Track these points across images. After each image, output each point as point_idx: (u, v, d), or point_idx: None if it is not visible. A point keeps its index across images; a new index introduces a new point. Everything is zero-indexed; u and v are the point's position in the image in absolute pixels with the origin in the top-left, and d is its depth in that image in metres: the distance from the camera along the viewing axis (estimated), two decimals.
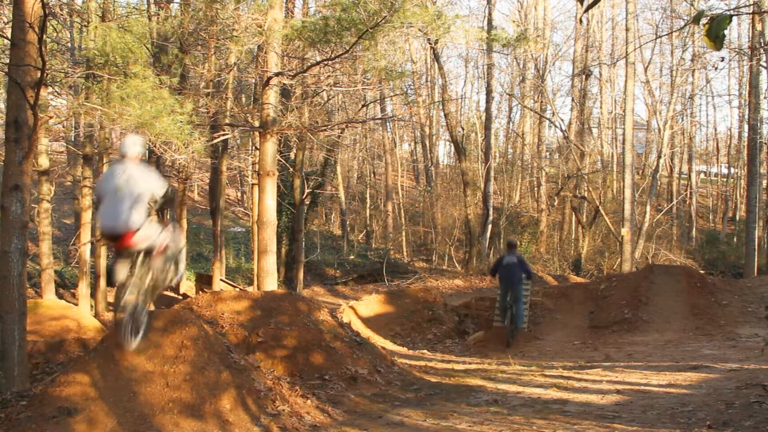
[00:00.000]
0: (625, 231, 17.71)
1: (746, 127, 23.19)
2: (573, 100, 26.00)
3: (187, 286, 16.66)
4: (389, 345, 10.75)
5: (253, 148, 16.64)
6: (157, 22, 12.86)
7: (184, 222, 16.97)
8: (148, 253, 4.65)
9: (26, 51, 5.97)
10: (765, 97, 18.62)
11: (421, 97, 29.78)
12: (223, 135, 10.76)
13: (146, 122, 8.38)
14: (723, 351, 8.63)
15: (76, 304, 13.22)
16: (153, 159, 17.75)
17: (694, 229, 29.26)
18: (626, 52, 18.26)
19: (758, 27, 17.48)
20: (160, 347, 4.92)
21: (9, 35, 6.30)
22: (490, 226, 21.72)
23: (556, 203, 26.55)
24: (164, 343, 4.96)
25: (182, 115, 8.70)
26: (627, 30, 18.82)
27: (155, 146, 9.78)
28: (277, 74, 9.69)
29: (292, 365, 6.47)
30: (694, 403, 5.44)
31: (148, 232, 4.55)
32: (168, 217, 4.97)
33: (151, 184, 4.66)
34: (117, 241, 4.52)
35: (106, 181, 4.67)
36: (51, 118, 12.08)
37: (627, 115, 18.57)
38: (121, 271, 4.56)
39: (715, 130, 38.44)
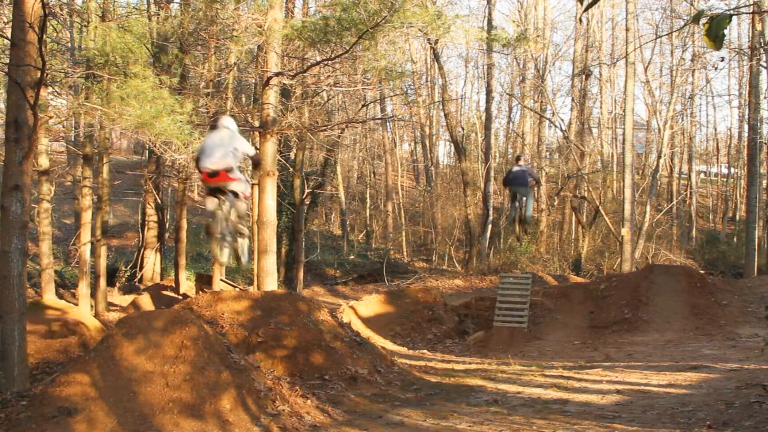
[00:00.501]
0: (625, 231, 17.70)
1: (746, 127, 23.18)
2: (573, 100, 25.99)
3: (187, 286, 16.64)
4: (389, 345, 10.75)
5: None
6: (157, 22, 12.85)
7: (184, 222, 16.95)
8: (234, 196, 5.81)
9: (26, 51, 5.96)
10: (765, 97, 18.61)
11: (421, 97, 29.76)
12: None
13: (146, 122, 8.37)
14: (723, 351, 8.63)
15: (76, 304, 13.21)
16: (153, 159, 17.78)
17: (694, 229, 29.24)
18: (626, 52, 18.26)
19: (758, 27, 17.47)
20: (160, 347, 4.92)
21: (9, 35, 6.29)
22: (490, 226, 21.71)
23: (556, 203, 26.55)
24: (164, 343, 4.96)
25: (182, 115, 8.70)
26: (627, 30, 18.81)
27: (155, 146, 9.78)
28: (277, 74, 9.69)
29: (292, 365, 6.47)
30: (694, 403, 5.44)
31: (237, 175, 5.68)
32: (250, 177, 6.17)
33: (244, 144, 5.87)
34: (213, 177, 5.61)
35: (208, 138, 5.84)
36: (51, 118, 12.07)
37: (627, 115, 18.56)
38: (211, 204, 5.74)
39: (715, 130, 38.43)
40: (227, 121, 5.98)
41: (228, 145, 5.65)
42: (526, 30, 22.59)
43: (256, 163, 6.37)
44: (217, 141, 5.69)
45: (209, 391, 4.76)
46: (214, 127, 6.04)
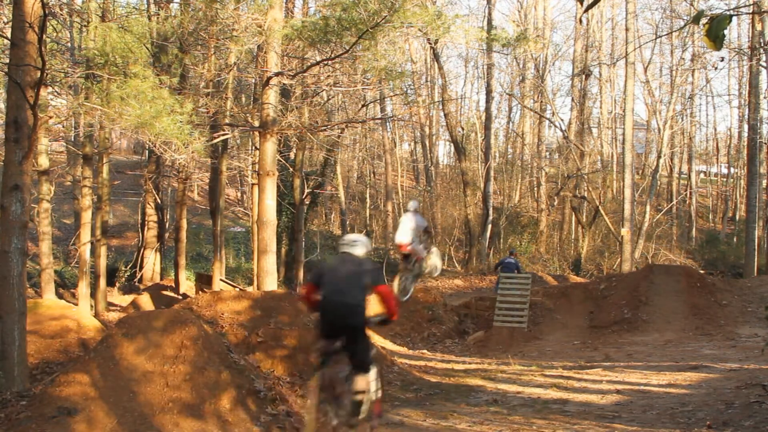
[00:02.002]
0: (625, 231, 17.70)
1: (746, 127, 23.18)
2: (573, 100, 26.00)
3: (187, 286, 16.64)
4: (389, 345, 10.75)
5: (253, 148, 16.63)
6: (157, 22, 12.85)
7: (184, 222, 16.95)
8: (416, 258, 9.13)
9: (26, 51, 5.95)
10: (765, 97, 18.61)
11: (421, 97, 29.75)
12: (223, 135, 10.75)
13: (146, 122, 8.36)
14: (723, 351, 8.63)
15: (76, 304, 13.20)
16: (153, 159, 17.78)
17: (694, 229, 29.24)
18: (626, 52, 18.25)
19: (758, 27, 17.47)
20: (160, 347, 4.92)
21: (9, 35, 6.28)
22: (489, 226, 21.71)
23: (556, 203, 26.55)
24: (164, 343, 4.96)
25: (182, 115, 8.69)
26: (627, 30, 18.81)
27: (155, 146, 9.77)
28: (277, 74, 9.68)
29: (292, 365, 6.47)
30: (694, 403, 5.44)
31: (415, 247, 9.03)
32: (429, 241, 9.63)
33: (420, 222, 9.17)
34: (400, 247, 9.10)
35: (402, 218, 9.45)
36: (51, 118, 12.06)
37: (627, 115, 18.56)
38: (402, 263, 9.15)
39: (715, 130, 38.42)
40: (411, 205, 9.57)
41: (410, 225, 9.11)
42: (526, 30, 22.60)
43: (428, 233, 9.73)
44: (404, 222, 9.29)
45: (209, 391, 4.76)
46: (406, 210, 9.55)
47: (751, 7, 14.59)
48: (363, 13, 8.35)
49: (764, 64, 17.96)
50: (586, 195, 23.50)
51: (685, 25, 18.51)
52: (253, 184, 14.98)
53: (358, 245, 4.64)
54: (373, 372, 4.48)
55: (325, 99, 16.91)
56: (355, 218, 32.06)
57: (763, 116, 19.41)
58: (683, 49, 23.14)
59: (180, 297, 15.30)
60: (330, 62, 9.97)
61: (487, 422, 5.18)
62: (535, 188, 29.37)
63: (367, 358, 4.43)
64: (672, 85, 23.33)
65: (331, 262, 4.72)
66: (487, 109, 23.20)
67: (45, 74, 6.46)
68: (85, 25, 12.93)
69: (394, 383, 6.74)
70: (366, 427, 4.55)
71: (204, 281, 15.50)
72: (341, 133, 18.40)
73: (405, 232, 9.08)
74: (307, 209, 19.57)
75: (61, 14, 13.00)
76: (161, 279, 18.72)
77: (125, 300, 16.19)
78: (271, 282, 9.83)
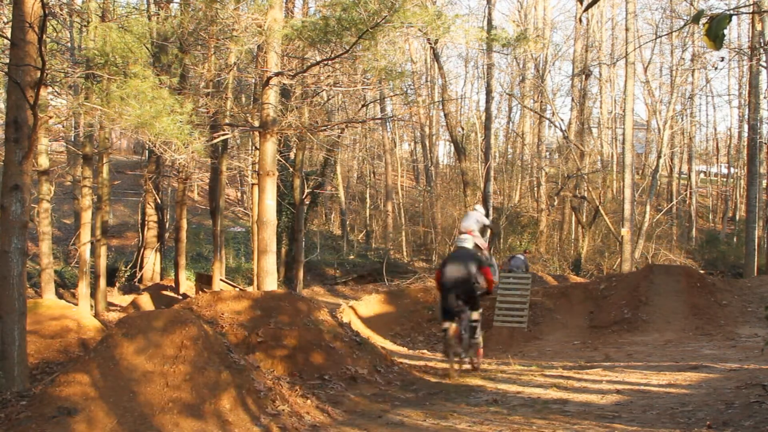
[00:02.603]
0: (625, 231, 17.69)
1: (746, 127, 23.19)
2: (573, 100, 26.00)
3: (187, 286, 16.64)
4: (389, 345, 10.75)
5: (253, 148, 16.63)
6: (157, 22, 12.86)
7: (184, 222, 16.95)
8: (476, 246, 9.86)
9: (26, 51, 5.95)
10: (765, 97, 18.61)
11: (421, 97, 29.76)
12: (223, 135, 10.75)
13: (146, 122, 8.36)
14: (723, 351, 8.63)
15: (76, 304, 13.19)
16: (153, 159, 17.78)
17: (694, 229, 29.24)
18: (626, 52, 18.25)
19: (758, 27, 17.47)
20: (160, 347, 4.92)
21: (9, 35, 6.28)
22: None
23: (556, 203, 26.54)
24: (164, 343, 4.96)
25: (182, 115, 8.69)
26: (627, 30, 18.80)
27: (155, 146, 9.77)
28: (277, 74, 9.68)
29: (292, 365, 6.47)
30: (694, 403, 5.44)
31: (479, 236, 10.89)
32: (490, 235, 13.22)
33: (482, 219, 11.33)
34: (465, 233, 9.77)
35: (466, 215, 11.58)
36: (51, 118, 12.06)
37: (627, 115, 18.56)
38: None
39: (715, 130, 38.44)
40: (478, 207, 11.69)
41: (474, 219, 11.14)
42: (526, 30, 22.61)
43: (489, 227, 12.05)
44: (470, 216, 11.30)
45: (209, 391, 4.77)
46: (473, 209, 11.61)
47: (751, 7, 14.60)
48: (363, 13, 8.35)
49: (764, 64, 17.96)
50: (586, 195, 23.50)
51: (685, 25, 18.51)
52: (253, 184, 14.98)
53: (467, 241, 7.80)
54: (478, 313, 7.51)
55: (325, 99, 16.91)
56: (355, 218, 32.08)
57: (763, 116, 19.41)
58: (683, 49, 23.15)
59: (180, 297, 15.31)
60: (330, 62, 9.97)
61: (487, 422, 5.18)
62: (535, 188, 29.37)
63: (477, 305, 7.42)
64: (672, 85, 23.34)
65: (450, 253, 7.95)
66: (487, 109, 23.18)
67: (45, 74, 6.46)
68: (85, 25, 12.93)
69: (394, 383, 6.74)
70: (473, 361, 7.69)
71: (204, 281, 15.50)
72: (341, 133, 18.41)
73: (470, 222, 11.09)
74: (307, 209, 19.57)
75: (61, 14, 13.00)
76: (161, 279, 18.72)
77: (125, 300, 16.19)
78: (271, 282, 9.83)
